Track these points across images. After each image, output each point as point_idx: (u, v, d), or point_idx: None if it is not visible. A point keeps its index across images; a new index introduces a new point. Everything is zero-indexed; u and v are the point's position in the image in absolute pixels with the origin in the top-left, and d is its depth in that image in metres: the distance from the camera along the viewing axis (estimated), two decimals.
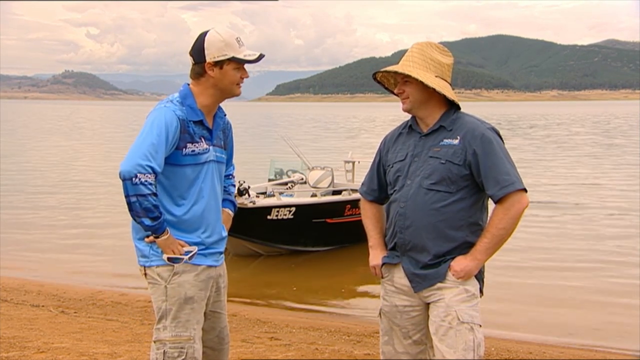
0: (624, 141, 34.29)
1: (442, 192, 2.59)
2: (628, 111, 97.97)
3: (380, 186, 2.88)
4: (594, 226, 11.78)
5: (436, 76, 2.65)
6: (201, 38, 2.69)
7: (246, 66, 2.75)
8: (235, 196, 3.15)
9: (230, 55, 2.67)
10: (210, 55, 2.66)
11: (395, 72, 2.70)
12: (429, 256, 2.63)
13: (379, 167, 2.88)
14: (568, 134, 42.37)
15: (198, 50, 2.69)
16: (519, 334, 6.33)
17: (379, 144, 2.92)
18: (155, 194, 2.54)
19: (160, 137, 2.56)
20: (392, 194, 2.75)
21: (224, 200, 2.95)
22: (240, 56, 2.69)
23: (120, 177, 2.51)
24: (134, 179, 2.49)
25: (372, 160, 2.96)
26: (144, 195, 2.50)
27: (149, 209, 2.52)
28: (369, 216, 2.92)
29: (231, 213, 3.03)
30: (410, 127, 2.79)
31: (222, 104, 2.88)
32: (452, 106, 2.71)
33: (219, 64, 2.67)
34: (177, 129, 2.62)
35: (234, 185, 3.13)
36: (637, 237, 10.58)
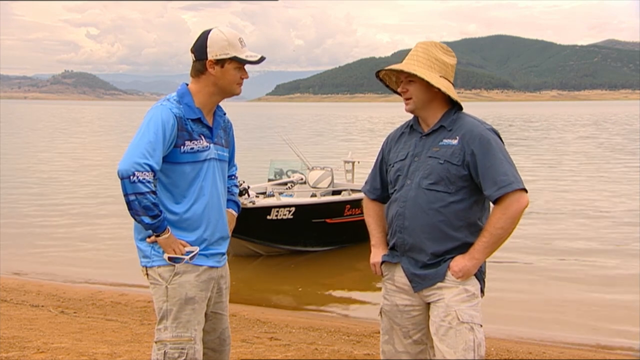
0: None
1: (441, 192, 2.59)
2: (630, 111, 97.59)
3: (382, 185, 2.88)
4: (594, 227, 11.78)
5: (440, 76, 2.65)
6: (204, 35, 2.70)
7: (246, 67, 2.75)
8: None
9: (232, 54, 2.68)
10: (213, 53, 2.67)
11: (401, 71, 2.68)
12: (427, 256, 2.63)
13: (382, 166, 2.89)
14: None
15: (200, 48, 2.69)
16: (519, 334, 6.33)
17: (382, 143, 2.92)
18: (154, 192, 2.54)
19: (157, 135, 2.56)
20: (392, 193, 2.75)
21: (227, 200, 2.94)
22: (242, 56, 2.70)
23: (118, 176, 2.52)
24: (131, 177, 2.49)
25: (374, 159, 2.95)
26: (142, 194, 2.50)
27: (148, 207, 2.52)
28: (372, 215, 2.92)
29: (235, 214, 3.02)
30: (411, 127, 2.80)
31: (221, 104, 2.88)
32: (454, 106, 2.71)
33: (220, 62, 2.68)
34: (174, 127, 2.62)
35: (237, 186, 3.12)
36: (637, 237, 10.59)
